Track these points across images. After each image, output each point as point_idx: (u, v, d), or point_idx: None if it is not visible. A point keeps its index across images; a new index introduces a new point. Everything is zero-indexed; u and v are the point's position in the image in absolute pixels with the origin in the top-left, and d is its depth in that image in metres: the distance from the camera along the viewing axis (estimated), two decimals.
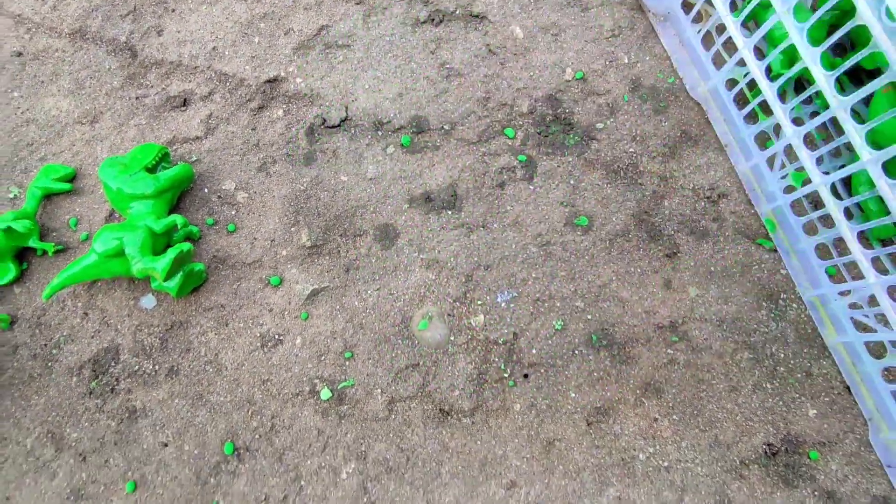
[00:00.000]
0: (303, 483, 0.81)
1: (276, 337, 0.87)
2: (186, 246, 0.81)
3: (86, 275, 0.83)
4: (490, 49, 1.01)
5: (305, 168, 0.95)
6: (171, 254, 0.79)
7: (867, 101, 0.94)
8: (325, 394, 0.84)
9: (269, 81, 1.00)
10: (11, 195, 0.94)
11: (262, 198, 0.94)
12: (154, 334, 0.87)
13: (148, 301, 0.88)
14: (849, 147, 0.94)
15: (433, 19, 1.04)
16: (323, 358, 0.86)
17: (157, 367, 0.86)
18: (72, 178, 0.94)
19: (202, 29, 1.04)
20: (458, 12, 1.04)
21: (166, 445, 0.83)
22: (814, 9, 0.96)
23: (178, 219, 0.85)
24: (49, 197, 0.94)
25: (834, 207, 0.77)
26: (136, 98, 1.00)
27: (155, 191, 0.85)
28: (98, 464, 0.82)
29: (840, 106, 0.72)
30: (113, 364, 0.86)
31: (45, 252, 0.90)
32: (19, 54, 1.02)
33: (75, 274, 0.83)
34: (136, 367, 0.86)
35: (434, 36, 1.02)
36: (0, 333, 0.87)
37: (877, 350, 0.83)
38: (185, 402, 0.84)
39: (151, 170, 0.88)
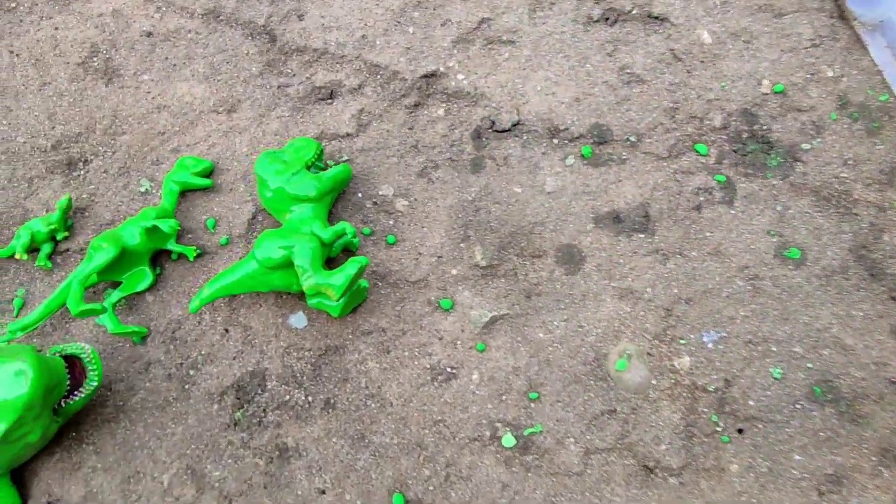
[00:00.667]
0: None
1: (449, 370, 0.75)
2: (363, 260, 0.70)
3: (242, 286, 0.72)
4: (675, 54, 0.90)
5: (473, 176, 0.84)
6: (350, 268, 0.68)
7: None
8: (508, 440, 0.72)
9: (426, 76, 0.89)
10: (143, 189, 0.83)
11: (424, 207, 0.83)
12: (305, 359, 0.76)
13: (298, 320, 0.77)
14: None
15: (607, 18, 0.93)
16: (504, 397, 0.74)
17: (310, 398, 0.74)
18: (209, 173, 0.83)
19: (349, 15, 0.94)
20: (634, 12, 0.93)
21: (324, 493, 0.71)
22: None
23: (347, 227, 0.73)
24: (182, 194, 0.83)
25: None
26: (278, 87, 0.89)
27: (318, 193, 0.74)
28: None
29: None
30: (259, 392, 0.75)
31: (181, 256, 0.79)
32: (149, 34, 0.91)
33: (230, 284, 0.72)
34: (287, 396, 0.74)
35: (610, 36, 0.92)
36: (131, 347, 0.76)
37: None
38: (345, 442, 0.73)
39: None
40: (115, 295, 0.76)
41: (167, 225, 0.73)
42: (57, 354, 0.65)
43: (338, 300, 0.69)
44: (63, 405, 0.64)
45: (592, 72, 0.89)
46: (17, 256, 0.76)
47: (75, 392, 0.65)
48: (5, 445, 0.58)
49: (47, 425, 0.62)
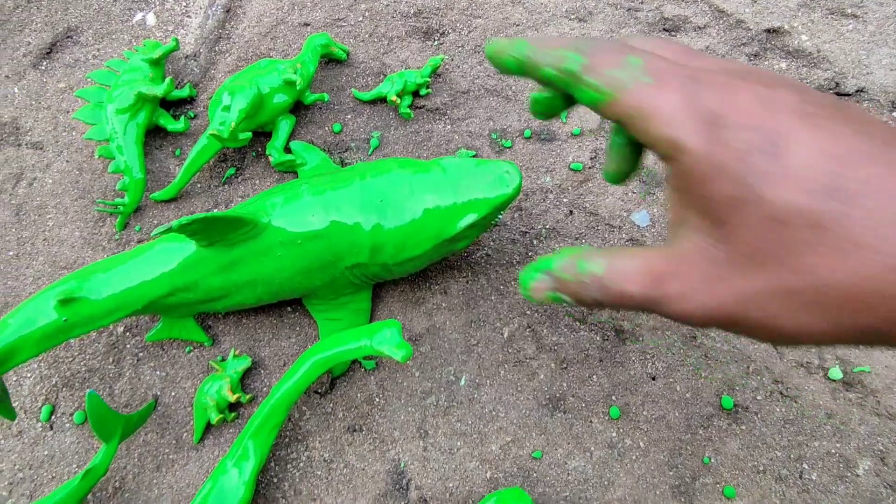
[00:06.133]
0: (805, 466, 0.75)
1: None
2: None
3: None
4: None
5: None
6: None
7: None
8: (835, 373, 0.79)
9: (769, 31, 0.99)
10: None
11: None
12: None
13: (641, 218, 0.86)
14: None
15: None
16: None
17: None
18: None
19: None
20: None
21: (654, 379, 0.79)
22: None
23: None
24: None
25: None
26: (628, 10, 0.99)
27: None
28: (580, 377, 0.78)
29: None
30: None
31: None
32: None
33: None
34: None
35: None
36: None
37: None
38: (677, 338, 0.80)
39: None
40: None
41: None
42: None
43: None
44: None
45: None
46: (392, 99, 0.87)
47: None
48: (445, 245, 0.67)
49: (473, 239, 0.71)
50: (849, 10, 1.01)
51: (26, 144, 0.91)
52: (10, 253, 0.85)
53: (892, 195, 0.31)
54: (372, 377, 0.79)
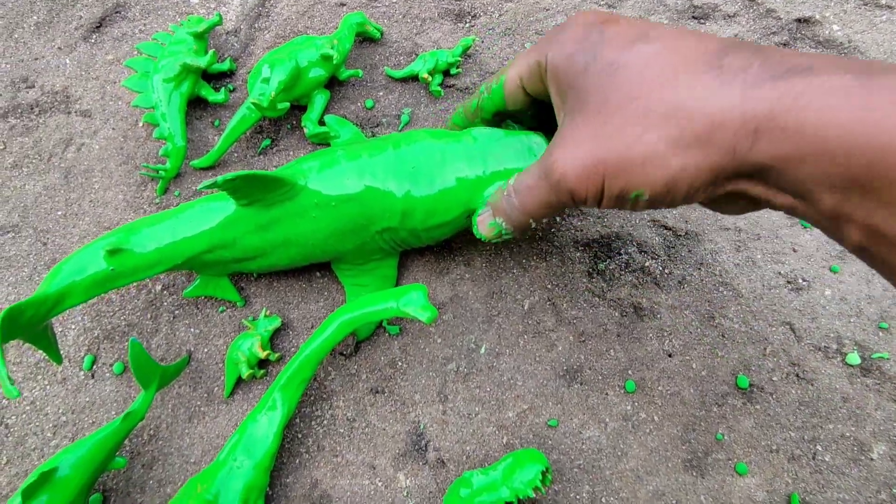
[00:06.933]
0: (819, 448, 0.76)
1: (801, 280, 0.84)
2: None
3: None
4: None
5: None
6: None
7: None
8: (853, 358, 0.80)
9: (800, 20, 0.99)
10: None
11: None
12: (664, 237, 0.86)
13: None
14: None
15: None
16: (853, 319, 0.82)
17: (666, 270, 0.84)
18: None
19: None
20: None
21: (671, 356, 0.80)
22: None
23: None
24: None
25: None
26: None
27: None
28: (597, 351, 0.80)
29: None
30: (620, 252, 0.85)
31: None
32: None
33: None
34: (646, 262, 0.84)
35: None
36: None
37: None
38: (695, 317, 0.82)
39: None
40: None
41: None
42: None
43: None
44: None
45: None
46: (424, 77, 0.89)
47: None
48: (473, 213, 0.70)
49: None
50: (883, 1, 1.01)
51: (75, 112, 0.96)
52: (59, 213, 0.90)
53: (676, 36, 0.49)
54: (395, 342, 0.82)
